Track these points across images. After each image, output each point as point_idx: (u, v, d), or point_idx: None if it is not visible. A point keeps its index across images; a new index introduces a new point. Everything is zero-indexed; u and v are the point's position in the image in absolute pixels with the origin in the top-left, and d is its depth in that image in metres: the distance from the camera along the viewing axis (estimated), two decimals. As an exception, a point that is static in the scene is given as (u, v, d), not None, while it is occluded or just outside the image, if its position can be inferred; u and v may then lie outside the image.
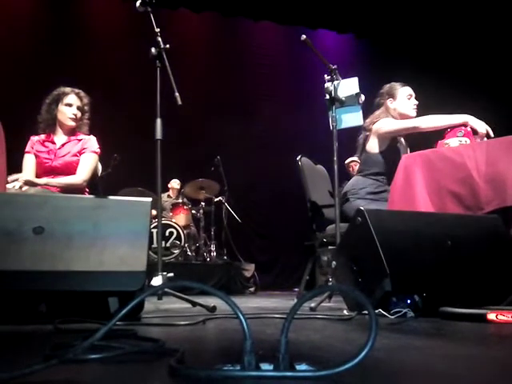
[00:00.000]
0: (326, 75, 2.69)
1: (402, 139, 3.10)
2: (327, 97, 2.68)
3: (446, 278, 1.80)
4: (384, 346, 1.02)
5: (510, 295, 1.86)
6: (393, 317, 1.62)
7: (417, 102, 3.06)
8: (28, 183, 2.68)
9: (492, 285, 1.87)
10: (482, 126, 2.67)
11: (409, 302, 1.68)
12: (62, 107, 2.94)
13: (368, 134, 3.00)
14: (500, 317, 1.48)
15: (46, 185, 2.76)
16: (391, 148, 2.96)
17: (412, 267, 1.77)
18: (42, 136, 2.97)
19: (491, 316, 1.49)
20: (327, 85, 2.68)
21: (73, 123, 2.95)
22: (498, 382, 0.71)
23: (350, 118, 2.71)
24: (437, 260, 1.83)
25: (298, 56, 7.28)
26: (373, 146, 2.99)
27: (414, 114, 3.04)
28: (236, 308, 0.69)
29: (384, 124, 2.95)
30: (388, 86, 3.09)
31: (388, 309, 1.66)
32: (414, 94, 3.07)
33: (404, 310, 1.65)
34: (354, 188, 2.99)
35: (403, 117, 3.03)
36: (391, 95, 3.05)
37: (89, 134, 3.01)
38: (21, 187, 2.62)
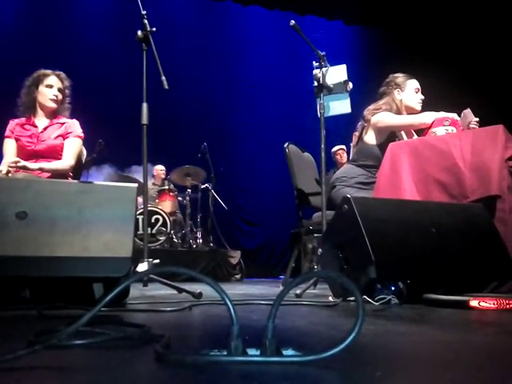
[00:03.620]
0: (314, 62, 2.68)
1: (403, 134, 3.04)
2: (315, 84, 2.66)
3: (430, 266, 1.82)
4: (369, 331, 1.03)
5: (492, 282, 1.90)
6: (377, 303, 1.63)
7: (423, 97, 3.02)
8: (22, 167, 2.63)
9: (475, 272, 1.90)
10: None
11: (393, 288, 1.69)
12: (42, 88, 2.87)
13: (366, 124, 2.97)
14: (482, 304, 1.50)
15: (39, 169, 2.72)
16: (388, 142, 2.85)
17: (397, 254, 1.79)
18: (22, 119, 2.90)
19: (474, 303, 1.51)
20: (315, 71, 2.67)
21: (54, 105, 2.89)
22: (481, 367, 0.72)
23: (338, 106, 2.70)
24: (421, 248, 1.85)
25: (287, 42, 7.24)
26: (370, 137, 2.96)
27: (420, 108, 2.99)
28: (223, 293, 0.68)
29: (382, 118, 2.90)
30: (395, 75, 3.03)
31: (373, 295, 1.67)
32: (420, 89, 3.02)
33: (388, 297, 1.66)
34: (344, 176, 2.97)
35: (408, 109, 2.99)
36: (399, 86, 2.99)
37: (71, 118, 2.96)
38: (8, 172, 2.57)
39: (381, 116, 2.91)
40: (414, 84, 3.01)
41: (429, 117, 2.78)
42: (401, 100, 2.98)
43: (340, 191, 2.87)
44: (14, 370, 0.64)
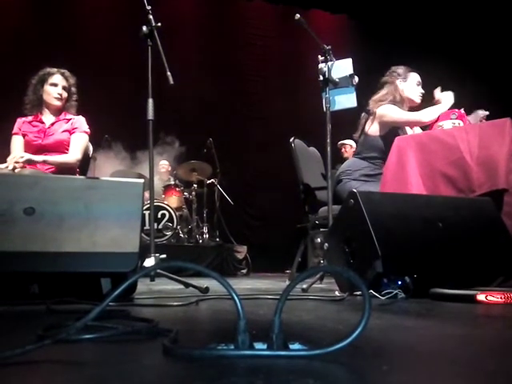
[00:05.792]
0: (319, 56, 2.66)
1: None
2: (321, 78, 2.65)
3: (436, 260, 1.81)
4: (376, 325, 1.03)
5: (500, 277, 1.89)
6: (384, 298, 1.63)
7: (423, 91, 3.04)
8: (27, 161, 2.66)
9: (482, 266, 1.89)
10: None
11: (400, 283, 1.69)
12: (47, 87, 2.89)
13: (371, 117, 2.98)
14: (489, 298, 1.50)
15: (43, 162, 2.74)
16: (391, 133, 2.90)
17: (403, 249, 1.79)
18: (30, 117, 2.93)
19: (481, 297, 1.51)
20: (321, 66, 2.65)
21: (58, 103, 2.91)
22: (488, 361, 0.72)
23: (344, 100, 2.69)
24: (428, 242, 1.84)
25: (292, 36, 7.20)
26: (373, 129, 2.97)
27: (419, 101, 3.02)
28: (230, 288, 0.69)
29: (389, 112, 2.91)
30: (398, 66, 3.06)
31: (379, 290, 1.67)
32: (421, 82, 3.05)
33: (395, 291, 1.66)
34: (349, 169, 2.98)
35: (408, 101, 3.02)
36: (402, 76, 3.01)
37: (77, 115, 2.98)
38: (14, 168, 2.60)
39: (387, 110, 2.91)
40: (415, 77, 3.04)
41: (435, 114, 2.78)
42: (402, 89, 3.00)
43: (345, 185, 2.88)
44: (23, 364, 0.65)
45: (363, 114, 3.05)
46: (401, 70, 3.04)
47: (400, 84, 3.00)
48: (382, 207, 1.85)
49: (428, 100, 2.98)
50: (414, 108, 3.04)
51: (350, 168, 2.98)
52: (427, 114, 2.84)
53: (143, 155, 5.30)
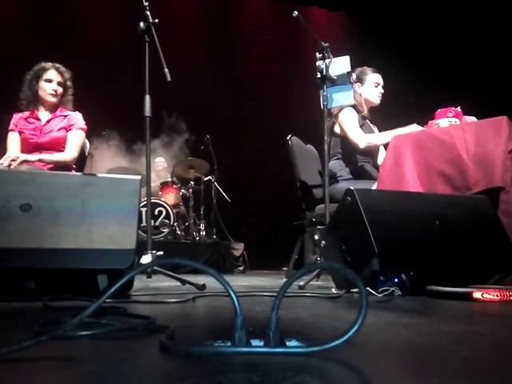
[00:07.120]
0: (317, 53, 2.66)
1: (368, 122, 3.17)
2: (319, 75, 2.65)
3: (433, 258, 1.82)
4: (372, 323, 1.03)
5: (496, 274, 1.90)
6: (380, 295, 1.64)
7: (382, 91, 3.15)
8: (23, 162, 2.64)
9: (478, 264, 1.90)
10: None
11: (396, 280, 1.70)
12: (42, 83, 2.87)
13: (334, 120, 3.09)
14: (485, 295, 1.51)
15: (39, 161, 2.73)
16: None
17: (400, 247, 1.79)
18: (26, 113, 2.91)
19: (477, 294, 1.51)
20: (319, 63, 2.65)
21: (54, 99, 2.88)
22: (484, 358, 0.72)
23: (341, 97, 2.69)
24: (424, 240, 1.84)
25: (290, 33, 7.19)
26: (339, 131, 3.09)
27: (378, 101, 3.14)
28: (227, 285, 0.69)
29: (345, 122, 3.02)
30: (358, 69, 3.14)
31: (376, 287, 1.68)
32: (381, 83, 3.15)
33: (391, 289, 1.67)
34: (333, 171, 3.05)
35: (367, 103, 3.14)
36: (360, 80, 3.11)
37: (74, 110, 2.96)
38: (9, 165, 2.58)
39: (345, 117, 3.02)
40: (374, 78, 3.13)
41: (388, 137, 2.83)
42: (360, 93, 3.12)
43: (337, 186, 2.96)
44: (19, 360, 0.65)
45: (328, 119, 3.12)
46: (359, 73, 3.12)
47: (358, 88, 3.11)
48: (379, 205, 1.85)
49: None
50: (374, 108, 3.18)
51: (335, 170, 3.06)
52: (380, 137, 2.95)
53: (140, 151, 5.30)
